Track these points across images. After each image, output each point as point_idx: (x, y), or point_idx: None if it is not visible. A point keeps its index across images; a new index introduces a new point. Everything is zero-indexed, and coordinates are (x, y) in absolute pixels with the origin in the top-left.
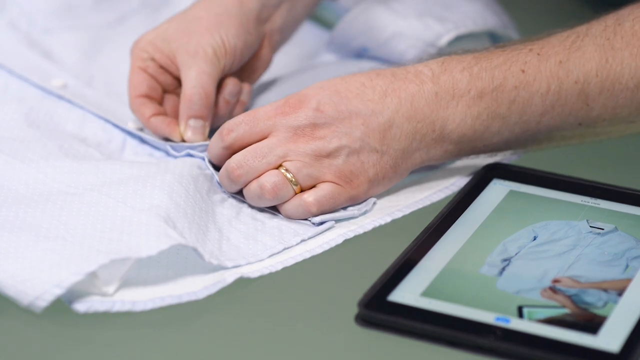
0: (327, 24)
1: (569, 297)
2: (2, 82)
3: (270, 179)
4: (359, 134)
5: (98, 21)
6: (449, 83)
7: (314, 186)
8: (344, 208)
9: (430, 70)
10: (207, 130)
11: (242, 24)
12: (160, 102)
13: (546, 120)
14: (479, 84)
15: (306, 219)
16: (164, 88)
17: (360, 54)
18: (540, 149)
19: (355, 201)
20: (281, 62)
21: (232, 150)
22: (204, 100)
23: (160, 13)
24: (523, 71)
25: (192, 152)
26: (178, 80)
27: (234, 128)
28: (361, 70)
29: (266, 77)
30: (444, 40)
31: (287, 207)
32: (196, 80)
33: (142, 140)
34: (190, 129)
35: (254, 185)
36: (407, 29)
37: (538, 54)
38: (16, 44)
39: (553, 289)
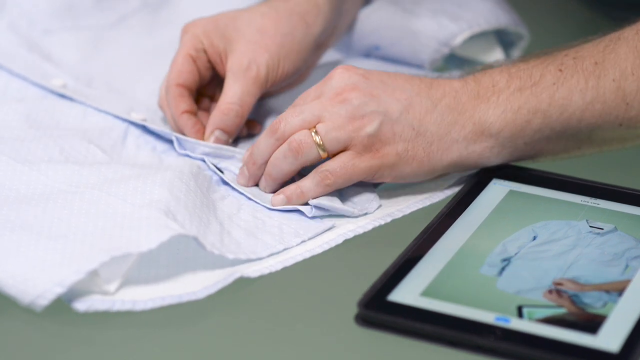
0: None
1: (569, 297)
2: (3, 82)
3: (297, 137)
4: (399, 107)
5: (98, 21)
6: (489, 82)
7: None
8: (346, 203)
9: (471, 74)
10: (229, 144)
11: (302, 50)
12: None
13: (587, 118)
14: (517, 82)
15: (307, 205)
16: (200, 85)
17: (371, 52)
18: (583, 155)
19: (377, 173)
20: None
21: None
22: (238, 118)
23: (160, 13)
24: (560, 70)
25: (191, 154)
26: (214, 82)
27: (283, 119)
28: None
29: None
30: (458, 39)
31: (307, 180)
32: (238, 97)
33: (145, 131)
34: (214, 138)
35: (282, 145)
36: (421, 27)
37: (574, 58)
38: (16, 47)
39: (558, 292)
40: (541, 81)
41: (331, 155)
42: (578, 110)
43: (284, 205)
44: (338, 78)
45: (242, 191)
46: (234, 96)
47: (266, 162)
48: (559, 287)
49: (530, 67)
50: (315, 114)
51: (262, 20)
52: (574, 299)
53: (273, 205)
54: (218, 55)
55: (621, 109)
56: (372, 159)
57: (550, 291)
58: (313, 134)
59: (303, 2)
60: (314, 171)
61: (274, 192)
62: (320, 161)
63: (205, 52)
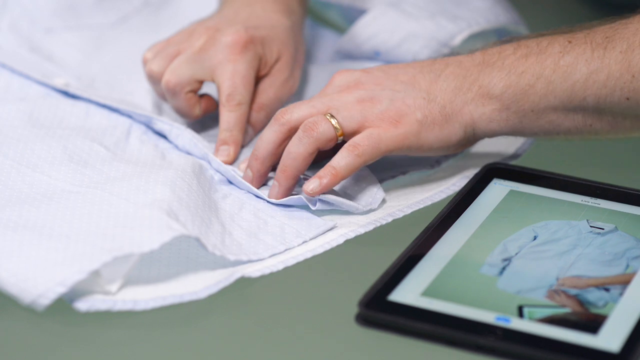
0: (332, 25)
1: (573, 296)
2: (4, 82)
3: (311, 119)
4: (404, 86)
5: (100, 21)
6: (496, 50)
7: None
8: (351, 199)
9: (479, 48)
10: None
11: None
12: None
13: (591, 87)
14: (524, 49)
15: (309, 198)
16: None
17: (371, 58)
18: (598, 139)
19: (403, 142)
20: None
21: (290, 127)
22: (266, 119)
23: (162, 13)
24: (569, 42)
25: (192, 150)
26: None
27: (290, 109)
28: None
29: None
30: (458, 39)
31: (336, 157)
32: (272, 101)
33: (148, 129)
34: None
35: (297, 132)
36: (420, 29)
37: (586, 33)
38: (17, 48)
39: (565, 293)
40: (548, 49)
41: (347, 137)
42: (582, 78)
43: (319, 190)
44: (340, 78)
45: (245, 188)
46: (268, 99)
47: (270, 154)
48: (563, 287)
49: (540, 37)
50: (325, 103)
51: (293, 35)
52: (578, 298)
53: (309, 195)
54: (265, 66)
55: (626, 80)
56: (396, 128)
57: (556, 291)
58: (328, 116)
59: (301, 19)
60: (341, 149)
61: (284, 197)
62: (334, 149)
63: (258, 67)
